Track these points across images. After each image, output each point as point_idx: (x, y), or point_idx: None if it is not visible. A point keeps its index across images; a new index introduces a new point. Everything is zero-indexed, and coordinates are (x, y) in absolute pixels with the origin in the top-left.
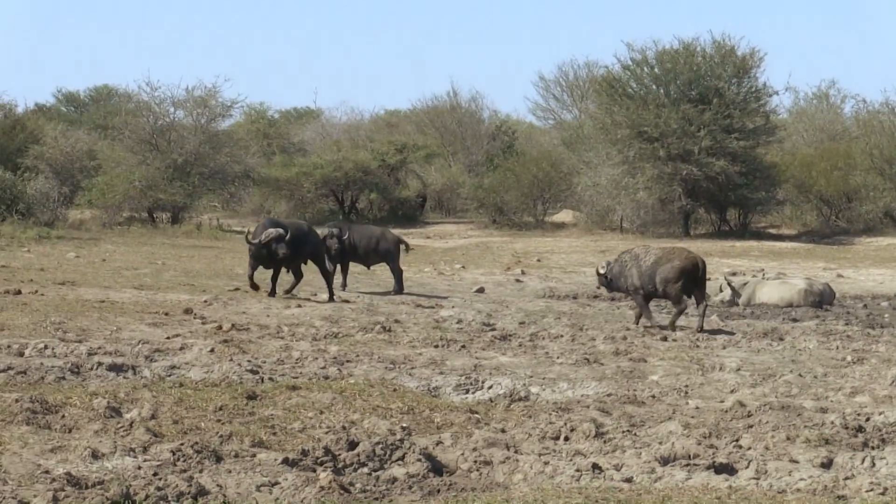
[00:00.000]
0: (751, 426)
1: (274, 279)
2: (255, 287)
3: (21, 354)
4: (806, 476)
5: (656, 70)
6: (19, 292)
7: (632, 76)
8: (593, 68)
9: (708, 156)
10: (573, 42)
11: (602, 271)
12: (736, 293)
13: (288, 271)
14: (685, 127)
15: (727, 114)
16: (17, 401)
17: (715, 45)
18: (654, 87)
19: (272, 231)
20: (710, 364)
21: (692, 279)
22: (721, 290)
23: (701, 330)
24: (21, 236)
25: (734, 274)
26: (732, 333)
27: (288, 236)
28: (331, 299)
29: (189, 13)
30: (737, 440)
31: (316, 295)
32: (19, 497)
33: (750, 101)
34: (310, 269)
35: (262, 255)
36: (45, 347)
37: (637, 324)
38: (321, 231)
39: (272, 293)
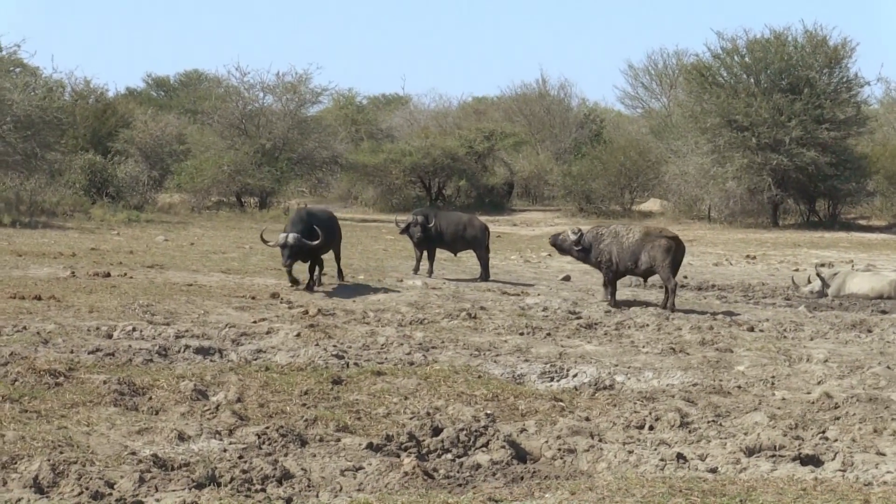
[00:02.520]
0: (837, 418)
1: (311, 270)
2: (295, 282)
3: (109, 336)
4: (893, 469)
5: (747, 59)
6: (108, 275)
7: (722, 65)
8: (683, 57)
9: (798, 146)
10: (663, 30)
11: (573, 237)
12: (825, 284)
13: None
14: (776, 117)
15: (818, 104)
16: (105, 382)
17: (806, 35)
18: (744, 76)
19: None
20: (797, 355)
21: (678, 259)
22: (810, 281)
23: (673, 309)
24: (111, 219)
25: (823, 265)
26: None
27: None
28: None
29: None
30: (823, 432)
31: (402, 281)
32: (106, 477)
33: (841, 92)
34: (395, 255)
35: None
36: (134, 330)
37: (611, 302)
38: (407, 218)
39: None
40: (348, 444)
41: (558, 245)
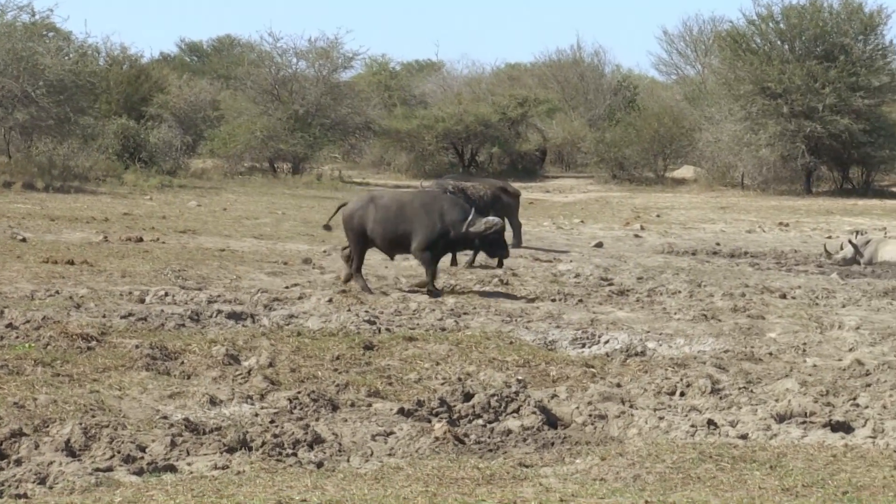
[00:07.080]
0: (869, 385)
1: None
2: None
3: (142, 301)
4: None
5: (781, 25)
6: (141, 240)
7: (756, 31)
8: (718, 23)
9: (832, 113)
10: None
11: None
12: (858, 252)
13: None
14: (809, 84)
15: (853, 71)
16: (137, 347)
17: (842, 2)
18: (778, 42)
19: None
20: (829, 322)
21: None
22: (842, 248)
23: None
24: (144, 184)
25: (856, 232)
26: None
27: None
28: None
29: None
30: (854, 399)
31: None
32: (138, 441)
33: (876, 59)
34: None
35: None
36: (166, 295)
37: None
38: (433, 184)
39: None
40: (379, 410)
41: None
